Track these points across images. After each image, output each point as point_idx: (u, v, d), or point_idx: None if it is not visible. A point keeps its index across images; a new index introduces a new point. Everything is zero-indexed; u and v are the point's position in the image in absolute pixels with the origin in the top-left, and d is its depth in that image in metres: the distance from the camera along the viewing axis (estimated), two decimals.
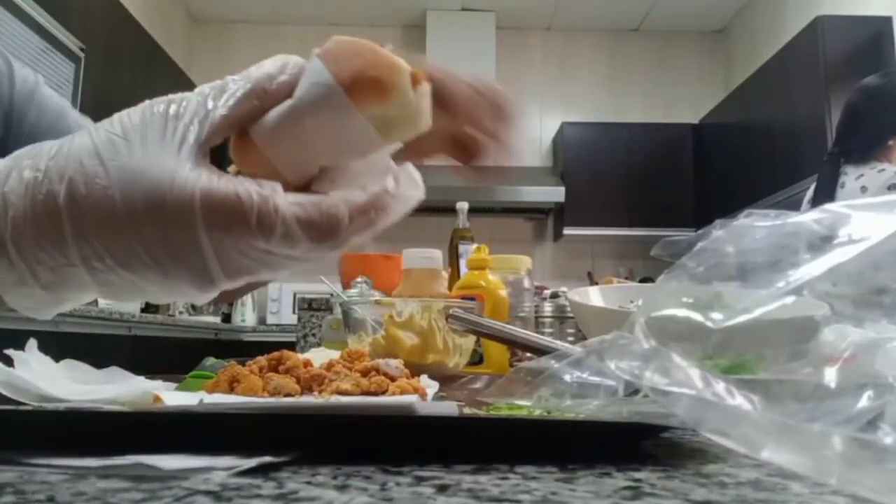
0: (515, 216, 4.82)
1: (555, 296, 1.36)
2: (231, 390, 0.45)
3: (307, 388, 0.47)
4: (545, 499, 0.24)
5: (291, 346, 0.94)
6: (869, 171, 1.89)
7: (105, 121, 0.29)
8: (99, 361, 0.53)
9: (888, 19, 3.22)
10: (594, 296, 0.92)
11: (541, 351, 0.63)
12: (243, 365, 0.49)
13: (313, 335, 1.90)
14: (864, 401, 0.24)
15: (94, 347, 2.54)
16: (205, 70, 4.58)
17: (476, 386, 0.61)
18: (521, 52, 5.05)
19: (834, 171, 1.96)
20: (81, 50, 3.03)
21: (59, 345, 0.62)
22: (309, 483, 0.26)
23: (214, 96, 0.29)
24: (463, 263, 1.26)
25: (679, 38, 5.12)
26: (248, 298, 4.20)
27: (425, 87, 0.30)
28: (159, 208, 0.27)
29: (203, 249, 0.27)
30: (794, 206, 2.00)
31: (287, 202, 0.28)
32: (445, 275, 1.01)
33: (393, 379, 0.48)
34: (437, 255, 0.99)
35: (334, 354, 0.56)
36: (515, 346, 0.76)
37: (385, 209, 0.29)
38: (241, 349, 3.86)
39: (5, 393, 0.39)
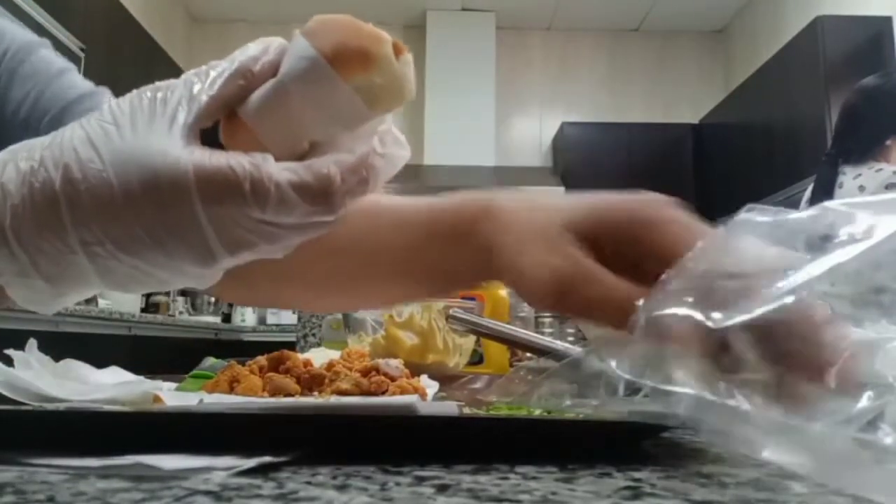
0: None
1: None
2: (231, 390, 0.45)
3: (307, 388, 0.47)
4: (545, 499, 0.24)
5: (291, 346, 0.94)
6: (867, 170, 1.89)
7: (95, 111, 0.29)
8: (99, 361, 0.53)
9: (888, 19, 3.22)
10: None
11: (541, 351, 0.63)
12: (243, 365, 0.49)
13: (313, 335, 1.90)
14: (864, 401, 0.24)
15: (94, 347, 2.54)
16: None
17: (476, 386, 0.61)
18: (521, 52, 5.05)
19: (832, 172, 1.97)
20: (81, 50, 3.03)
21: (59, 345, 0.62)
22: (309, 483, 0.26)
23: (200, 80, 0.30)
24: None
25: (679, 38, 5.12)
26: None
27: (408, 57, 0.30)
28: (154, 186, 0.27)
29: (201, 224, 0.28)
30: (794, 206, 2.00)
31: (279, 169, 0.28)
32: None
33: (393, 379, 0.48)
34: None
35: (334, 354, 0.56)
36: (515, 346, 0.76)
37: (374, 168, 0.30)
38: (241, 349, 3.86)
39: (5, 393, 0.39)
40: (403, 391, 0.47)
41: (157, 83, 0.30)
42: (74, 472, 0.26)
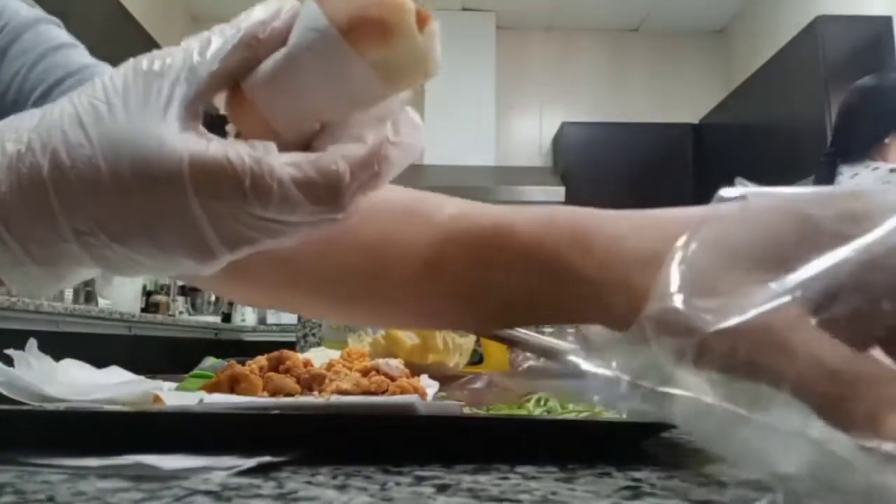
0: None
1: None
2: (231, 390, 0.45)
3: (307, 388, 0.47)
4: (545, 499, 0.24)
5: (291, 346, 0.94)
6: (864, 169, 1.90)
7: (88, 84, 0.27)
8: (99, 361, 0.53)
9: (888, 19, 3.22)
10: None
11: (541, 351, 0.63)
12: (243, 365, 0.49)
13: (313, 335, 1.90)
14: None
15: (94, 347, 2.54)
16: None
17: (476, 386, 0.61)
18: (521, 52, 5.04)
19: (830, 171, 1.97)
20: None
21: (59, 345, 0.62)
22: (309, 483, 0.26)
23: (201, 49, 0.27)
24: None
25: (679, 38, 5.12)
26: None
27: (433, 28, 0.27)
28: (146, 177, 0.25)
29: (196, 219, 0.26)
30: None
31: (282, 163, 0.26)
32: None
33: (393, 379, 0.48)
34: None
35: (334, 354, 0.57)
36: (515, 346, 0.76)
37: (388, 160, 0.27)
38: (241, 349, 3.86)
39: (5, 393, 0.39)
40: (403, 391, 0.47)
41: (155, 51, 0.27)
42: (74, 472, 0.26)
